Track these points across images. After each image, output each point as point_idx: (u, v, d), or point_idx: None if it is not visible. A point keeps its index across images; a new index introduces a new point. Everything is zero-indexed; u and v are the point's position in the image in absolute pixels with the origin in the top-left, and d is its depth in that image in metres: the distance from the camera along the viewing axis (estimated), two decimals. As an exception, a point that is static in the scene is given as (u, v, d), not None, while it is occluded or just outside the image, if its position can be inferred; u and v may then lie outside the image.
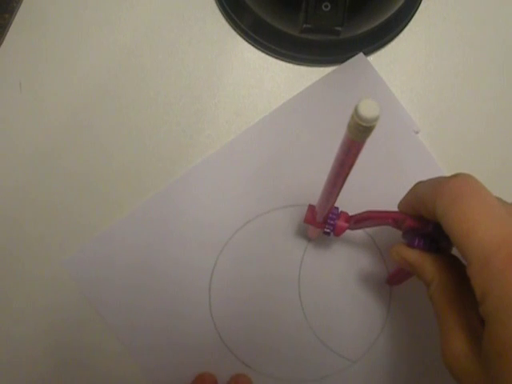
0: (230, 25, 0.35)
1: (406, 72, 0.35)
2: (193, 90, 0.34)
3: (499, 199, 0.22)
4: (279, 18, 0.35)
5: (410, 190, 0.26)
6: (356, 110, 0.17)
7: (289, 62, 0.35)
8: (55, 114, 0.34)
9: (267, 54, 0.35)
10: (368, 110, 0.17)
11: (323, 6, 0.33)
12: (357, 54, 0.35)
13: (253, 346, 0.32)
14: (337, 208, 0.28)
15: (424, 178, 0.25)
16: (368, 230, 0.33)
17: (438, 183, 0.22)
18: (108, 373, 0.32)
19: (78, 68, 0.35)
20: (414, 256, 0.24)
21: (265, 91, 0.35)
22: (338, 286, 0.33)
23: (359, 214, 0.28)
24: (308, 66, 0.35)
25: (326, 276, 0.33)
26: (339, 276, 0.33)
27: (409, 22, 0.36)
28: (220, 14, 0.35)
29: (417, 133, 0.34)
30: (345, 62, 0.35)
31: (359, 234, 0.33)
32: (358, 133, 0.18)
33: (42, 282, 0.32)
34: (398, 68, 0.35)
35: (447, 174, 0.24)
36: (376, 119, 0.17)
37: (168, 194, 0.33)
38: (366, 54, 0.35)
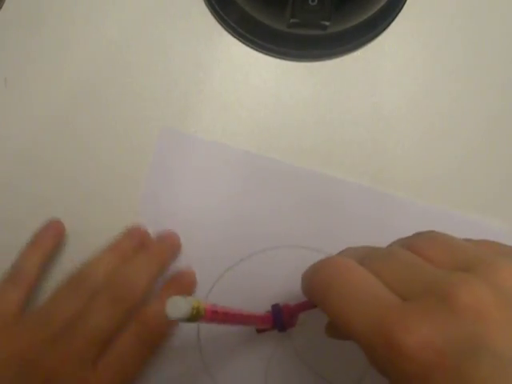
0: (216, 20, 0.35)
1: (394, 66, 0.35)
2: (179, 85, 0.34)
3: (369, 253, 0.21)
4: (266, 12, 0.34)
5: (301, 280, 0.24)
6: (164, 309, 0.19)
7: (276, 57, 0.35)
8: (40, 110, 0.34)
9: (254, 48, 0.35)
10: (173, 309, 0.19)
11: (310, 1, 0.33)
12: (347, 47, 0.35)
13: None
14: (277, 304, 0.29)
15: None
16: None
17: (310, 279, 0.22)
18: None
19: (63, 64, 0.34)
20: None
21: (251, 86, 0.34)
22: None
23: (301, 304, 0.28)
24: (295, 61, 0.35)
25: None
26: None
27: (396, 15, 0.36)
28: (206, 8, 0.35)
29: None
30: (332, 56, 0.35)
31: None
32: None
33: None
34: (386, 62, 0.35)
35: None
36: (184, 318, 0.19)
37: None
38: (354, 48, 0.35)
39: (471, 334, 0.16)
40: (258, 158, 0.34)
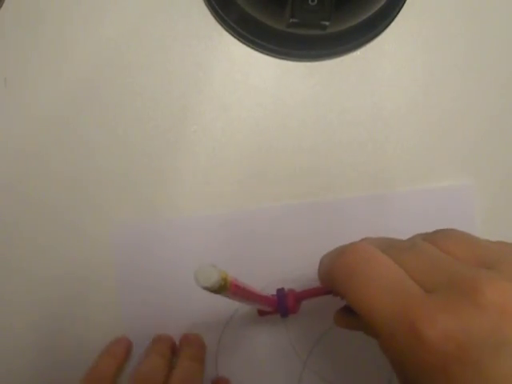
0: (216, 20, 0.35)
1: (394, 66, 0.35)
2: (179, 85, 0.34)
3: (392, 244, 0.21)
4: (266, 12, 0.34)
5: (319, 263, 0.24)
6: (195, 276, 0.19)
7: (275, 57, 0.35)
8: (40, 110, 0.34)
9: (254, 48, 0.35)
10: (204, 277, 0.19)
11: (310, 1, 0.33)
12: (347, 47, 0.35)
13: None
14: (282, 289, 0.29)
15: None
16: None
17: (332, 263, 0.21)
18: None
19: (63, 63, 0.34)
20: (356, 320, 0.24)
21: (251, 86, 0.34)
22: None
23: (307, 291, 0.28)
24: (294, 60, 0.35)
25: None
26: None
27: (396, 15, 0.36)
28: (206, 8, 0.35)
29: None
30: (332, 56, 0.35)
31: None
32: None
33: (33, 278, 0.33)
34: (386, 62, 0.35)
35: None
36: (212, 287, 0.19)
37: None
38: (354, 48, 0.35)
39: (494, 329, 0.16)
40: (212, 218, 0.34)
